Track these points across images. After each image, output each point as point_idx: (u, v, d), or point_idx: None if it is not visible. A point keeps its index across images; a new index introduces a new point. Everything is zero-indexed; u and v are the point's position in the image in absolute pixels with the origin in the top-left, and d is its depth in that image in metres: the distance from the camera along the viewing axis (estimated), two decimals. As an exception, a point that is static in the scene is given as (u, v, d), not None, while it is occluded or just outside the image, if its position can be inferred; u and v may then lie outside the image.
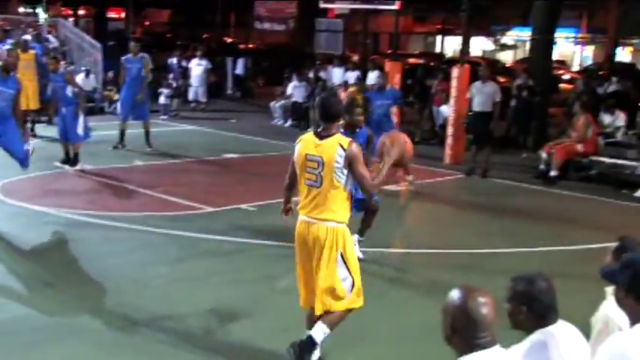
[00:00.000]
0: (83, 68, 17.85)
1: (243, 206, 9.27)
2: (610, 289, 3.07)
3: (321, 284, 4.61)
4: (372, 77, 17.26)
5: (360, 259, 5.81)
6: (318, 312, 4.66)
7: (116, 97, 17.99)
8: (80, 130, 10.84)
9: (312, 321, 4.79)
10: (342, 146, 4.55)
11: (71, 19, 32.70)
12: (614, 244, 3.58)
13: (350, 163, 4.55)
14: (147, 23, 48.59)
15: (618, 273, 2.68)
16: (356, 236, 6.82)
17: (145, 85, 13.02)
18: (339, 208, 4.64)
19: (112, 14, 43.06)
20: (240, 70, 22.89)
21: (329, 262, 4.59)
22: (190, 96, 19.49)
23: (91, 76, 17.84)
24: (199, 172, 11.74)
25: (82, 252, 7.28)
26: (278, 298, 6.27)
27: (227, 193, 10.11)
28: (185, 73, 19.59)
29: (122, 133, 12.90)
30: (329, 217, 4.61)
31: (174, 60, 19.73)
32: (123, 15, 37.45)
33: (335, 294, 4.61)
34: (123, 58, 13.12)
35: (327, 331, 4.68)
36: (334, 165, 4.54)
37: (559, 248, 8.23)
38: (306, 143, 4.69)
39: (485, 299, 2.60)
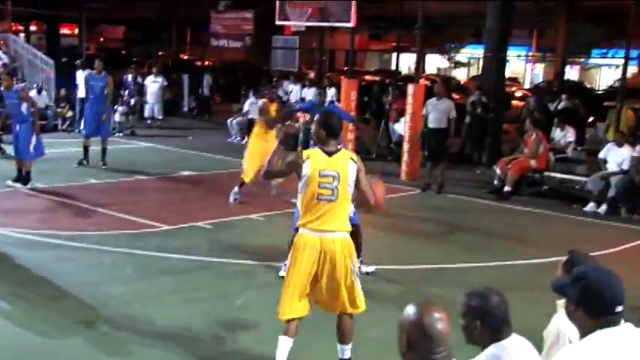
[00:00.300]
0: (35, 85, 17.57)
1: (200, 224, 9.20)
2: (561, 303, 3.13)
3: (344, 291, 4.86)
4: (329, 94, 17.40)
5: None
6: (337, 310, 4.97)
7: (69, 114, 17.76)
8: (32, 148, 10.65)
9: (293, 332, 4.93)
10: (353, 160, 4.86)
11: (22, 35, 32.20)
12: (564, 258, 3.66)
13: (358, 176, 4.84)
14: (101, 40, 48.12)
15: (568, 287, 2.74)
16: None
17: (108, 103, 13.08)
18: (346, 219, 4.93)
19: (64, 30, 42.50)
20: (205, 89, 22.71)
21: (347, 271, 4.84)
22: (146, 113, 19.33)
23: (44, 92, 17.56)
24: (155, 189, 11.63)
25: (34, 272, 7.11)
26: (235, 316, 6.23)
27: (183, 210, 10.02)
28: (140, 90, 19.43)
29: (86, 150, 12.85)
30: (342, 228, 4.87)
31: (129, 77, 19.56)
32: (76, 31, 36.99)
33: (356, 299, 4.92)
34: (86, 75, 13.09)
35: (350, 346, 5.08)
36: (349, 178, 4.80)
37: (512, 262, 8.36)
38: (316, 159, 4.82)
39: (441, 314, 2.63)
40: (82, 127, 13.20)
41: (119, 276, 7.12)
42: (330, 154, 4.83)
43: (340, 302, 4.90)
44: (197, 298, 6.62)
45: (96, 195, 10.67)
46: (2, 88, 10.84)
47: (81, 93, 17.33)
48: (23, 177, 10.72)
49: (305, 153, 4.90)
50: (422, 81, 18.19)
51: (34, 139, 10.64)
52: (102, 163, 12.78)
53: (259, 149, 9.88)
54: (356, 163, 4.84)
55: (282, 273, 6.88)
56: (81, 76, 17.47)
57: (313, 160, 4.81)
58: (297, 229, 5.17)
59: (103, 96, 12.84)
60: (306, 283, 4.85)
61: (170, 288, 6.87)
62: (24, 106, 10.59)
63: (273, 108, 10.42)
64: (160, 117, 19.41)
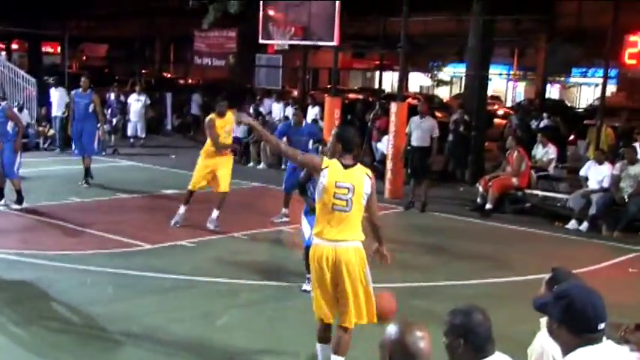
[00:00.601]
0: (16, 103, 17.47)
1: (183, 242, 9.16)
2: (544, 320, 3.14)
3: (361, 299, 5.02)
4: (312, 112, 17.47)
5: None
6: (350, 324, 5.04)
7: (50, 132, 17.66)
8: (16, 168, 10.59)
9: (326, 337, 5.18)
10: (367, 175, 5.07)
11: (3, 54, 32.06)
12: (547, 275, 3.67)
13: (370, 191, 5.06)
14: (84, 58, 48.02)
15: (551, 305, 2.75)
16: None
17: (100, 119, 13.17)
18: (360, 229, 5.11)
19: (47, 49, 42.38)
20: (195, 109, 22.57)
21: (364, 278, 5.04)
22: (129, 131, 19.27)
23: (25, 111, 17.47)
24: (138, 208, 11.57)
25: (16, 293, 7.04)
26: (218, 335, 6.19)
27: (166, 229, 9.96)
28: (123, 109, 19.38)
29: (87, 169, 12.88)
30: (356, 238, 5.06)
31: (111, 95, 19.52)
32: (59, 49, 36.89)
33: (372, 306, 5.07)
34: (72, 92, 13.06)
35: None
36: (363, 191, 5.00)
37: (495, 280, 8.39)
38: (334, 171, 5.01)
39: (422, 333, 2.63)
40: (73, 147, 13.15)
41: (102, 296, 7.06)
42: (346, 166, 5.03)
43: (349, 310, 5.02)
44: (180, 317, 6.57)
45: (79, 214, 10.59)
46: None
47: (55, 111, 17.31)
48: (17, 197, 10.64)
49: (325, 162, 5.06)
50: (409, 100, 18.32)
51: (18, 158, 10.57)
52: (84, 181, 12.69)
53: (207, 167, 9.90)
54: (370, 178, 5.06)
55: (305, 287, 7.10)
56: (55, 94, 17.46)
57: (331, 170, 5.00)
58: (307, 248, 5.91)
59: (88, 113, 12.77)
60: (330, 291, 5.04)
61: (153, 308, 6.82)
62: (10, 125, 10.53)
63: (220, 124, 9.78)
64: (143, 135, 19.35)
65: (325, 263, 4.99)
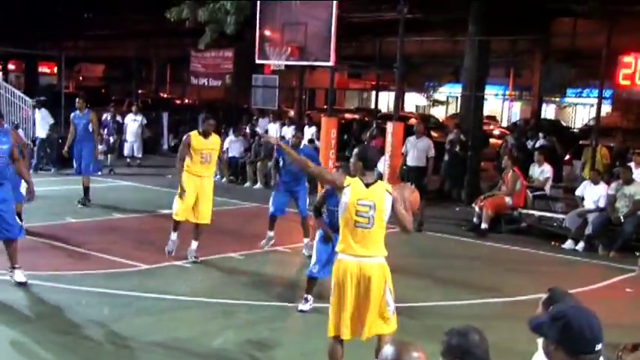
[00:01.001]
0: (12, 123, 17.49)
1: (179, 263, 9.13)
2: (541, 341, 3.13)
3: (374, 313, 5.21)
4: (309, 132, 17.52)
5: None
6: (366, 336, 5.23)
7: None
8: (22, 189, 10.57)
9: (339, 352, 5.32)
10: (388, 191, 5.25)
11: (0, 74, 32.14)
12: (544, 296, 3.67)
13: (393, 205, 5.24)
14: (80, 78, 48.17)
15: (547, 326, 2.74)
16: None
17: (96, 140, 13.15)
18: (382, 245, 5.33)
19: (43, 69, 42.52)
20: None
21: (381, 293, 5.21)
22: (125, 151, 19.28)
23: (20, 131, 17.45)
24: (134, 228, 11.54)
25: (5, 315, 6.98)
26: (214, 356, 6.15)
27: (162, 249, 9.92)
28: (120, 129, 19.41)
29: (86, 189, 12.88)
30: (379, 254, 5.28)
31: (108, 115, 19.55)
32: (55, 69, 37.00)
33: (386, 320, 5.28)
34: (72, 115, 13.08)
35: None
36: (384, 207, 5.20)
37: (492, 300, 8.38)
38: (356, 189, 5.22)
39: (419, 354, 2.62)
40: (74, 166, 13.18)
41: (97, 316, 7.01)
42: (367, 185, 5.23)
43: (368, 325, 5.19)
44: (175, 338, 6.54)
45: (74, 234, 10.56)
46: None
47: (38, 131, 17.32)
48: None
49: (347, 180, 5.25)
50: (412, 119, 18.32)
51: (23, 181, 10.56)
52: (83, 201, 12.70)
53: (193, 194, 9.05)
54: (391, 194, 5.25)
55: (302, 307, 7.26)
56: (37, 115, 17.48)
57: (353, 188, 5.21)
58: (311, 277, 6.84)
59: (87, 133, 12.81)
60: (351, 307, 5.18)
61: (148, 329, 6.78)
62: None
63: (199, 145, 9.00)
64: (140, 155, 19.36)
65: (349, 279, 5.16)
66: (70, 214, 11.92)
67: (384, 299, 5.25)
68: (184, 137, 9.21)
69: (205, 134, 9.08)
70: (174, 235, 9.33)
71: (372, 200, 5.20)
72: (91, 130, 12.84)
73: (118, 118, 19.64)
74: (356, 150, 5.50)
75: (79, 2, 35.20)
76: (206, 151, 9.04)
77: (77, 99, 13.35)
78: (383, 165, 14.04)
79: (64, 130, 18.85)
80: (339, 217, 5.33)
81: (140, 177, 17.10)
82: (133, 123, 19.32)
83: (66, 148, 13.17)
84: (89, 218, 11.85)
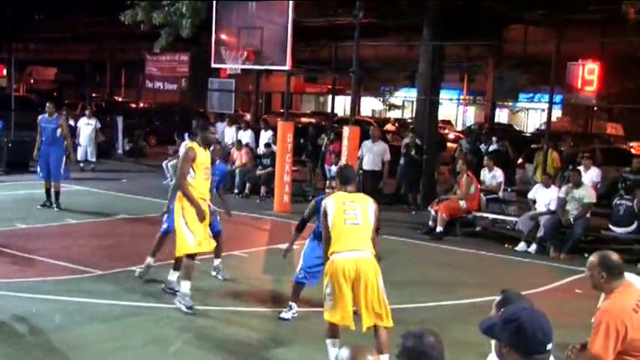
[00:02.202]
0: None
1: (134, 268, 8.99)
2: (494, 342, 3.18)
3: (376, 304, 5.64)
4: (265, 136, 17.48)
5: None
6: (368, 325, 5.67)
7: None
8: None
9: (337, 333, 5.79)
10: (372, 201, 5.89)
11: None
12: (498, 298, 3.72)
13: (375, 215, 5.80)
14: (32, 81, 47.22)
15: (499, 328, 2.79)
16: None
17: (68, 144, 13.10)
18: (371, 244, 5.76)
19: (-8, 71, 41.52)
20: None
21: (378, 286, 5.66)
22: (79, 156, 18.95)
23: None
24: (88, 233, 11.35)
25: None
26: (170, 363, 6.08)
27: (117, 254, 9.79)
28: (73, 133, 19.05)
29: (48, 192, 12.76)
30: (370, 249, 5.71)
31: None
32: (5, 72, 36.21)
33: (386, 311, 5.72)
34: (39, 117, 12.88)
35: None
36: (369, 210, 5.76)
37: (447, 302, 8.46)
38: (339, 196, 5.83)
39: (373, 357, 2.64)
40: (38, 170, 13.02)
41: (46, 325, 6.85)
42: (350, 192, 5.90)
43: (372, 315, 5.64)
44: (129, 345, 6.45)
45: (24, 240, 10.32)
46: None
47: None
48: None
49: (327, 198, 6.00)
50: (389, 126, 18.29)
51: None
52: (55, 205, 12.63)
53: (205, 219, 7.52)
54: (374, 204, 5.88)
55: (284, 315, 7.28)
56: None
57: (336, 197, 5.82)
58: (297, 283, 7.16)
59: (56, 138, 12.71)
60: (350, 300, 5.61)
61: (102, 335, 6.67)
62: None
63: (202, 158, 7.47)
64: (93, 159, 19.07)
65: (347, 275, 5.55)
66: (19, 220, 11.65)
67: (382, 291, 5.69)
68: (184, 150, 7.64)
69: (207, 143, 7.60)
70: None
71: (357, 202, 5.77)
72: (59, 135, 12.74)
73: (71, 122, 19.28)
74: (335, 169, 6.07)
75: (29, 4, 34.53)
76: (207, 165, 7.58)
77: (47, 104, 13.26)
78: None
79: (14, 133, 18.49)
80: (330, 228, 5.70)
81: (94, 181, 16.83)
82: (86, 127, 19.02)
83: (35, 152, 12.96)
84: (40, 224, 11.60)
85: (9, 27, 36.67)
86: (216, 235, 8.31)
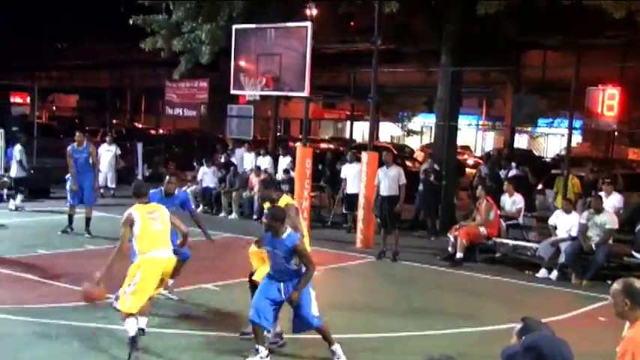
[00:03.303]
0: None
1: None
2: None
3: None
4: (284, 162, 17.52)
5: None
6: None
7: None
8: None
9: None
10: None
11: (-28, 104, 31.85)
12: (518, 325, 3.67)
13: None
14: (54, 108, 47.90)
15: (520, 356, 2.74)
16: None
17: (96, 173, 13.54)
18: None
19: (16, 99, 42.17)
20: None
21: None
22: (99, 182, 19.07)
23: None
24: (106, 260, 11.35)
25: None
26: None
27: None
28: (93, 159, 19.21)
29: (71, 218, 13.00)
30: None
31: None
32: (28, 100, 36.79)
33: None
34: (68, 148, 13.11)
35: None
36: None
37: (467, 329, 8.36)
38: None
39: None
40: (67, 196, 13.27)
41: (64, 351, 6.86)
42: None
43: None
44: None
45: (45, 266, 10.37)
46: None
47: (15, 171, 16.98)
48: None
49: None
50: (418, 154, 18.17)
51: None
52: (86, 232, 12.84)
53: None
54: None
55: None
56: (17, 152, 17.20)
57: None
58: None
59: (88, 166, 13.00)
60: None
61: (120, 362, 6.65)
62: None
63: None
64: (113, 186, 19.21)
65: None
66: (42, 246, 11.73)
67: None
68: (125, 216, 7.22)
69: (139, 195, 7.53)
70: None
71: None
72: (91, 162, 13.07)
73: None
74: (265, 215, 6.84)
75: (52, 33, 35.15)
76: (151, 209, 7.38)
77: (77, 133, 13.50)
78: (359, 195, 14.04)
79: (36, 159, 18.70)
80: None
81: (114, 207, 16.87)
82: (106, 153, 19.18)
83: (73, 185, 13.00)
84: (61, 250, 11.67)
85: (33, 55, 37.33)
86: (184, 260, 8.34)
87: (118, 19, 22.40)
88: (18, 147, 16.59)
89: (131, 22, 18.04)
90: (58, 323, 7.60)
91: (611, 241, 11.44)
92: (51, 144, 20.92)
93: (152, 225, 6.91)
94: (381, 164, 13.18)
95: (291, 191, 15.16)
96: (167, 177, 8.86)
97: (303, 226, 7.49)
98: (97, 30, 34.50)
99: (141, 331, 6.70)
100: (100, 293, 6.85)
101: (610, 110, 13.82)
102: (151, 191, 8.17)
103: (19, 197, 16.09)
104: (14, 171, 16.53)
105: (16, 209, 15.64)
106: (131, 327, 6.54)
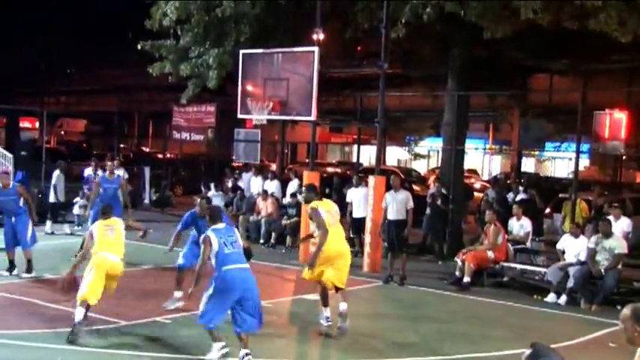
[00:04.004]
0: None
1: (159, 319, 8.97)
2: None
3: None
4: (292, 186, 17.52)
5: None
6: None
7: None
8: (29, 239, 11.33)
9: None
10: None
11: (-20, 129, 32.16)
12: (527, 351, 3.63)
13: None
14: (62, 133, 48.21)
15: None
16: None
17: (128, 203, 13.65)
18: None
19: (25, 123, 42.53)
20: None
21: None
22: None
23: (-1, 186, 17.32)
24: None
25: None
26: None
27: (141, 305, 9.78)
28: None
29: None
30: None
31: (91, 170, 19.43)
32: (37, 124, 37.06)
33: None
34: (99, 177, 13.17)
35: None
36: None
37: (475, 355, 8.28)
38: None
39: None
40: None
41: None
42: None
43: None
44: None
45: (50, 290, 10.35)
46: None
47: (57, 195, 17.11)
48: (27, 265, 11.28)
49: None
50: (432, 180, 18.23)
51: (30, 230, 11.39)
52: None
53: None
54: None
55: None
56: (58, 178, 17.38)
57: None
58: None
59: (116, 197, 13.11)
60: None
61: (125, 388, 6.61)
62: (21, 201, 11.37)
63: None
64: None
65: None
66: (48, 270, 11.71)
67: None
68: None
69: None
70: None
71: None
72: (120, 195, 13.29)
73: (99, 172, 19.51)
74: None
75: (61, 58, 35.46)
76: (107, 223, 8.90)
77: (108, 163, 13.74)
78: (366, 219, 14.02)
79: (44, 184, 18.76)
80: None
81: (120, 231, 16.89)
82: (114, 177, 19.20)
83: (90, 211, 13.02)
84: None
85: (41, 81, 37.64)
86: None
87: (126, 44, 22.59)
88: (56, 172, 16.93)
89: (139, 47, 18.17)
90: (65, 348, 7.56)
91: (620, 266, 11.36)
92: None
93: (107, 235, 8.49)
94: (388, 188, 13.17)
95: (298, 215, 15.15)
96: (198, 200, 10.02)
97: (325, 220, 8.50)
98: (105, 55, 34.79)
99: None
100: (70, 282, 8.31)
101: (617, 134, 13.81)
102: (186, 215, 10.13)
103: (49, 223, 16.43)
104: (51, 196, 16.87)
105: (52, 233, 16.09)
106: (79, 314, 7.86)
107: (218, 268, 7.09)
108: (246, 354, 7.03)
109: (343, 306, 8.55)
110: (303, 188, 9.71)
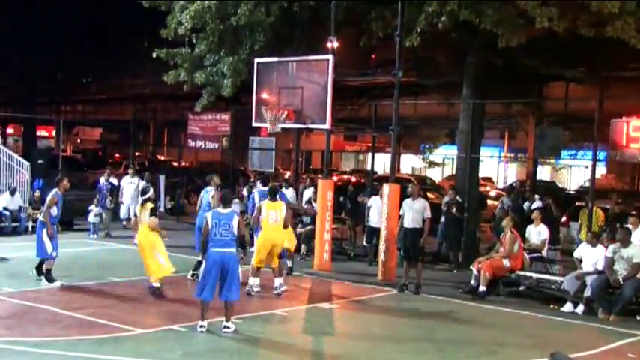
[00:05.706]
0: (8, 187, 17.54)
1: (175, 327, 8.98)
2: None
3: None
4: (307, 194, 17.51)
5: None
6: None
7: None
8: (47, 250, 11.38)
9: None
10: None
11: (-1, 137, 32.46)
12: (545, 361, 3.60)
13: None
14: (78, 141, 48.58)
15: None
16: None
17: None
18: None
19: (41, 132, 42.90)
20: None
21: None
22: (122, 214, 19.19)
23: (17, 194, 17.50)
24: (128, 291, 11.38)
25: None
26: None
27: (157, 313, 9.80)
28: (116, 192, 19.38)
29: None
30: None
31: (103, 179, 19.57)
32: (53, 133, 37.36)
33: None
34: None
35: None
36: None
37: (493, 365, 8.22)
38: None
39: None
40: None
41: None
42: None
43: None
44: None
45: (67, 298, 10.42)
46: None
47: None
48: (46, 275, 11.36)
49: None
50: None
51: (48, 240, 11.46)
52: None
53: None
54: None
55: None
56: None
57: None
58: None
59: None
60: None
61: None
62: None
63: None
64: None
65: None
66: (63, 277, 11.76)
67: None
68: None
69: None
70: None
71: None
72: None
73: (113, 180, 19.62)
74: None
75: (78, 68, 35.77)
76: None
77: (145, 173, 14.03)
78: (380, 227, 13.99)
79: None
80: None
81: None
82: (129, 185, 19.29)
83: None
84: (84, 282, 11.71)
85: (58, 90, 37.99)
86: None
87: (142, 54, 22.73)
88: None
89: (154, 55, 18.28)
90: (81, 356, 7.58)
91: (638, 275, 11.23)
92: (75, 177, 21.14)
93: None
94: (402, 196, 13.14)
95: (313, 223, 15.15)
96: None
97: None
98: (121, 65, 35.07)
99: None
100: None
101: (635, 142, 13.70)
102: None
103: None
104: None
105: None
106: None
107: (208, 247, 8.88)
108: (225, 326, 8.78)
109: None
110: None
